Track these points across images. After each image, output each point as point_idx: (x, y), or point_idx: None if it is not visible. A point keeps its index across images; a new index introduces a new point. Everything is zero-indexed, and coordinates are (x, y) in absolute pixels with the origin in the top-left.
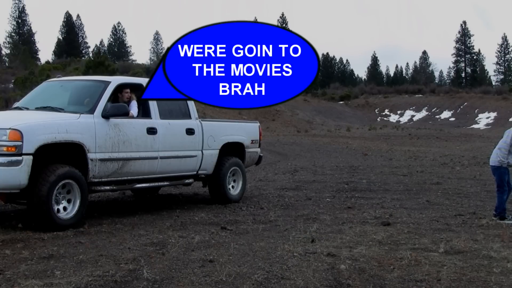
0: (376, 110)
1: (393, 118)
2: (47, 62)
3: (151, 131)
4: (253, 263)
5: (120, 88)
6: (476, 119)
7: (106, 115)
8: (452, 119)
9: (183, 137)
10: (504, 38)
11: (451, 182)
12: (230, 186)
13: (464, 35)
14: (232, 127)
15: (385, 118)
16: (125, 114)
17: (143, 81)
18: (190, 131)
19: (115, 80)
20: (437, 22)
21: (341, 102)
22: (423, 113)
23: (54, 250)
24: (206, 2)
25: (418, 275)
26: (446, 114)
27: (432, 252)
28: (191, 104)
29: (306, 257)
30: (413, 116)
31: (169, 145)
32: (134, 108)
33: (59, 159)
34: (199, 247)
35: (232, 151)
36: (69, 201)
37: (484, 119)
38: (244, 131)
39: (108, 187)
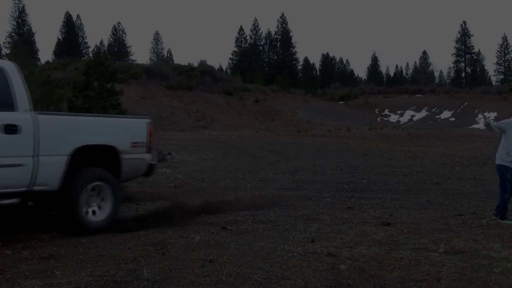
0: (376, 110)
1: (393, 118)
2: (47, 62)
3: None
4: (253, 263)
5: None
6: (476, 119)
7: None
8: (452, 119)
9: None
10: (504, 38)
11: (451, 182)
12: (90, 210)
13: (464, 35)
14: (94, 124)
15: (385, 118)
16: None
17: None
18: (10, 129)
19: None
20: (437, 22)
21: (341, 102)
22: (423, 113)
23: (54, 250)
24: (206, 2)
25: (418, 275)
26: (446, 114)
27: (432, 252)
28: (19, 89)
29: (306, 257)
30: (413, 116)
31: None
32: None
33: None
34: (199, 247)
35: (97, 158)
36: None
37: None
38: (118, 130)
39: None
